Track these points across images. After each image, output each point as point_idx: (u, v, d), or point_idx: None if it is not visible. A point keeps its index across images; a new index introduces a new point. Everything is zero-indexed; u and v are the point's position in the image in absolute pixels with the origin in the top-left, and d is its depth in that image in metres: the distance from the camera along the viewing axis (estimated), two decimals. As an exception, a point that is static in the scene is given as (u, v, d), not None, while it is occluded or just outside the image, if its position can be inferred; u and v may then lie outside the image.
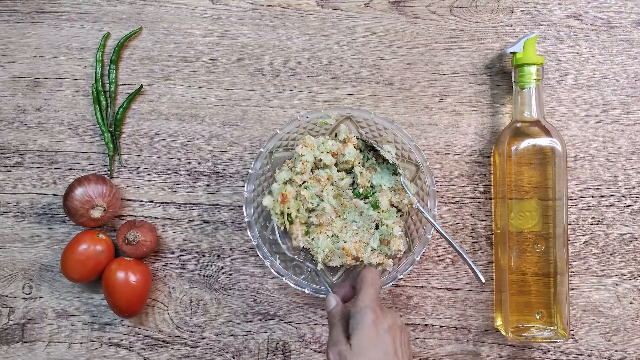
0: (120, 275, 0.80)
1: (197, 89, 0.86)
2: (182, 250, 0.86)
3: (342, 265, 0.80)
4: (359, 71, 0.86)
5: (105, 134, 0.85)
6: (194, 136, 0.86)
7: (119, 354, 0.85)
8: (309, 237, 0.79)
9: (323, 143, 0.78)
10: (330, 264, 0.79)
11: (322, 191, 0.78)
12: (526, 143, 0.80)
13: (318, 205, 0.78)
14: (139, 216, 0.86)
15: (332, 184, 0.79)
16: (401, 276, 0.77)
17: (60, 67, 0.86)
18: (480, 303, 0.85)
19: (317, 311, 0.85)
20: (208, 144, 0.86)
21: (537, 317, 0.80)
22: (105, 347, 0.85)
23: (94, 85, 0.85)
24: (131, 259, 0.83)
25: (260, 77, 0.86)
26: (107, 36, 0.86)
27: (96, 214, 0.81)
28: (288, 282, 0.77)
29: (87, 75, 0.86)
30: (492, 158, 0.85)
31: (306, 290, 0.77)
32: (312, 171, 0.78)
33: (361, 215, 0.80)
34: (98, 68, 0.85)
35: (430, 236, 0.77)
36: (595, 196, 0.85)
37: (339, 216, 0.80)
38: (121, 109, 0.85)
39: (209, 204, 0.86)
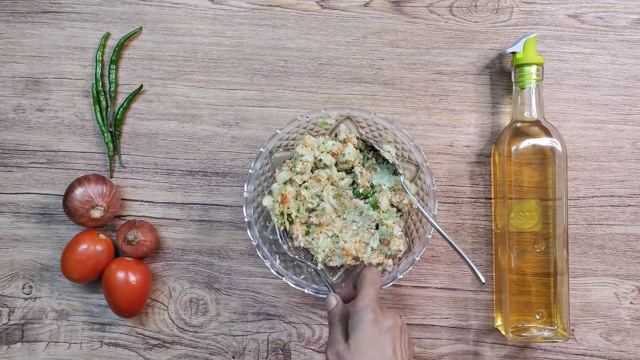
0: (120, 275, 0.80)
1: (197, 89, 0.86)
2: (182, 250, 0.86)
3: (342, 265, 0.80)
4: (359, 71, 0.86)
5: (105, 134, 0.85)
6: (194, 136, 0.86)
7: (119, 354, 0.85)
8: (309, 237, 0.79)
9: (323, 143, 0.78)
10: (330, 264, 0.79)
11: (322, 191, 0.78)
12: (526, 143, 0.80)
13: (318, 205, 0.78)
14: (139, 216, 0.86)
15: (332, 184, 0.79)
16: (401, 276, 0.77)
17: (60, 67, 0.86)
18: (480, 303, 0.85)
19: (317, 311, 0.85)
20: (208, 144, 0.86)
21: (537, 317, 0.80)
22: (105, 347, 0.85)
23: (94, 85, 0.85)
24: (131, 259, 0.83)
25: (260, 77, 0.86)
26: (107, 36, 0.86)
27: (96, 214, 0.81)
28: (288, 282, 0.77)
29: (87, 75, 0.86)
30: (492, 158, 0.85)
31: (306, 290, 0.77)
32: (312, 171, 0.78)
33: (361, 215, 0.80)
34: (98, 68, 0.85)
35: (430, 236, 0.77)
36: (595, 196, 0.85)
37: (339, 216, 0.80)
38: (121, 109, 0.85)
39: (209, 204, 0.86)
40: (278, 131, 0.78)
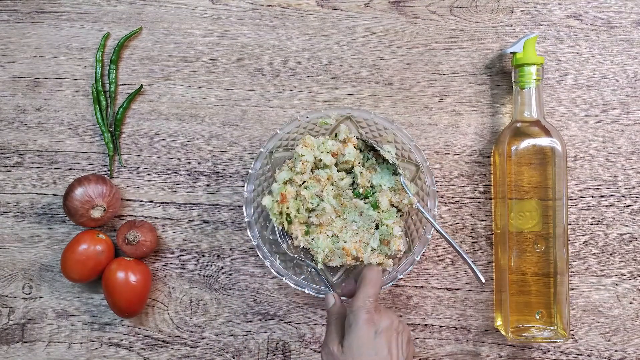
0: (120, 275, 0.80)
1: (197, 89, 0.86)
2: (182, 250, 0.86)
3: (342, 265, 0.80)
4: (359, 71, 0.86)
5: (105, 134, 0.85)
6: (194, 136, 0.86)
7: (119, 354, 0.85)
8: (309, 237, 0.79)
9: (323, 143, 0.78)
10: (330, 264, 0.79)
11: (322, 191, 0.78)
12: (526, 143, 0.80)
13: (318, 205, 0.78)
14: (139, 216, 0.86)
15: (332, 184, 0.79)
16: (401, 276, 0.77)
17: (60, 67, 0.86)
18: (480, 303, 0.85)
19: (317, 311, 0.85)
20: (208, 144, 0.86)
21: (537, 317, 0.80)
22: (105, 347, 0.85)
23: (94, 85, 0.85)
24: (131, 259, 0.83)
25: (260, 77, 0.86)
26: (107, 36, 0.86)
27: (96, 214, 0.81)
28: (288, 282, 0.77)
29: (87, 75, 0.86)
30: (492, 158, 0.85)
31: (306, 290, 0.77)
32: (312, 171, 0.78)
33: (361, 215, 0.80)
34: (98, 68, 0.85)
35: (430, 236, 0.77)
36: (595, 196, 0.85)
37: (339, 216, 0.80)
38: (121, 109, 0.85)
39: (209, 204, 0.86)
40: (278, 131, 0.78)
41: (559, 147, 0.80)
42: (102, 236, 0.83)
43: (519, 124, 0.81)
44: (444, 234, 0.75)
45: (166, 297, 0.85)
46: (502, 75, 0.86)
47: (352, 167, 0.80)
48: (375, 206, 0.78)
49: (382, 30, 0.86)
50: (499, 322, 0.83)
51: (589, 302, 0.84)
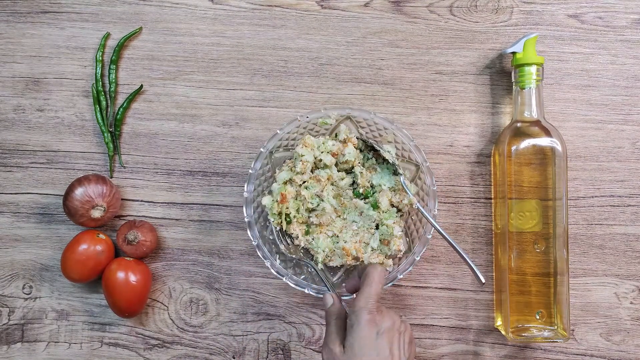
0: (120, 275, 0.80)
1: (197, 89, 0.86)
2: (182, 250, 0.86)
3: (342, 265, 0.80)
4: (359, 71, 0.86)
5: (105, 134, 0.85)
6: (194, 136, 0.86)
7: (119, 354, 0.85)
8: (309, 237, 0.79)
9: (323, 143, 0.78)
10: (330, 264, 0.79)
11: (322, 191, 0.78)
12: (526, 143, 0.80)
13: (318, 205, 0.78)
14: (139, 216, 0.86)
15: (332, 184, 0.79)
16: (401, 276, 0.77)
17: (60, 67, 0.86)
18: (480, 303, 0.85)
19: (317, 311, 0.85)
20: (208, 144, 0.86)
21: (537, 317, 0.80)
22: (105, 347, 0.85)
23: (94, 85, 0.85)
24: (131, 259, 0.83)
25: (260, 77, 0.86)
26: (107, 36, 0.86)
27: (96, 214, 0.81)
28: (288, 282, 0.77)
29: (87, 75, 0.86)
30: (492, 158, 0.85)
31: (306, 290, 0.77)
32: (312, 171, 0.78)
33: (361, 215, 0.80)
34: (98, 68, 0.85)
35: (430, 236, 0.77)
36: (595, 196, 0.85)
37: (339, 216, 0.80)
38: (121, 109, 0.85)
39: (209, 204, 0.86)
40: (278, 131, 0.78)
41: (559, 147, 0.80)
42: (102, 236, 0.83)
43: (519, 124, 0.81)
44: (444, 234, 0.75)
45: (166, 297, 0.85)
46: (502, 75, 0.86)
47: (352, 167, 0.80)
48: (375, 206, 0.78)
49: (382, 30, 0.86)
50: (499, 322, 0.83)
51: (589, 302, 0.84)
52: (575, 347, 0.84)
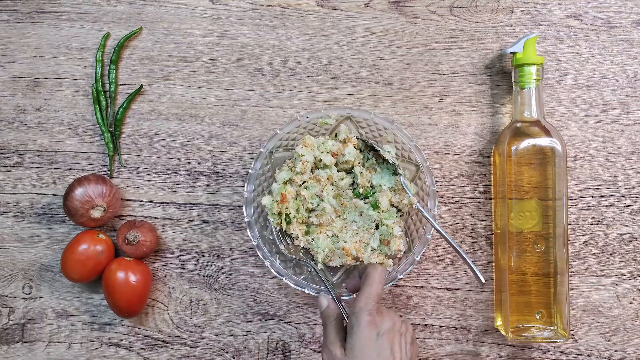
0: (120, 275, 0.80)
1: (197, 89, 0.86)
2: (182, 250, 0.86)
3: (342, 265, 0.80)
4: (359, 71, 0.86)
5: (105, 134, 0.85)
6: (194, 136, 0.86)
7: (119, 354, 0.85)
8: (309, 237, 0.79)
9: (323, 143, 0.78)
10: (330, 264, 0.79)
11: (322, 191, 0.78)
12: (526, 143, 0.80)
13: (318, 205, 0.78)
14: (139, 216, 0.86)
15: (332, 184, 0.79)
16: (401, 276, 0.77)
17: (60, 67, 0.86)
18: (480, 303, 0.85)
19: (317, 311, 0.85)
20: (208, 144, 0.86)
21: (537, 317, 0.80)
22: (105, 347, 0.85)
23: (94, 85, 0.85)
24: (131, 259, 0.83)
25: (260, 77, 0.86)
26: (107, 36, 0.86)
27: (96, 214, 0.81)
28: (288, 282, 0.77)
29: (87, 75, 0.86)
30: (492, 158, 0.85)
31: (306, 290, 0.77)
32: (312, 171, 0.78)
33: (361, 215, 0.80)
34: (98, 68, 0.85)
35: (430, 236, 0.77)
36: (595, 196, 0.85)
37: (339, 216, 0.80)
38: (121, 109, 0.85)
39: (209, 204, 0.86)
40: (278, 131, 0.78)
41: (559, 147, 0.80)
42: (102, 236, 0.83)
43: (519, 124, 0.81)
44: (444, 234, 0.75)
45: (166, 297, 0.85)
46: (502, 75, 0.86)
47: (352, 167, 0.80)
48: (375, 206, 0.78)
49: (382, 30, 0.86)
50: (499, 322, 0.83)
51: (589, 302, 0.84)
52: (575, 347, 0.84)
